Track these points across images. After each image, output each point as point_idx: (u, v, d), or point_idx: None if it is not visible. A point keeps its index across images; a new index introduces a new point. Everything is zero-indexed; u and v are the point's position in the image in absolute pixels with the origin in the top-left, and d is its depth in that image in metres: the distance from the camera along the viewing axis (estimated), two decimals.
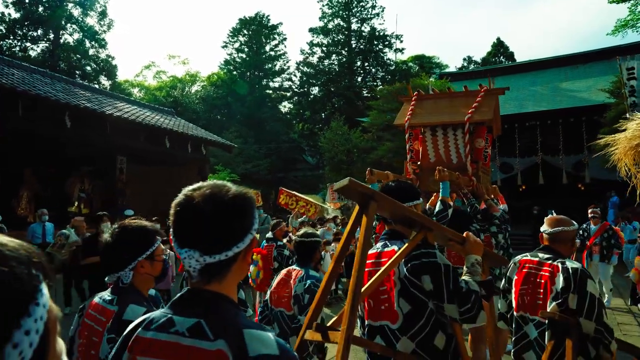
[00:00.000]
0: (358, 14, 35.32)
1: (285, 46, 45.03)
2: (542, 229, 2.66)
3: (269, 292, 2.99)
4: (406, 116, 5.65)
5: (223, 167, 23.41)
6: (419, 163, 5.70)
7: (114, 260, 1.72)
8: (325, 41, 35.54)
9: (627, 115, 14.20)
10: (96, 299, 1.76)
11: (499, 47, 46.04)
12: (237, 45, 36.91)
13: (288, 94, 37.30)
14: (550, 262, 2.48)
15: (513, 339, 2.62)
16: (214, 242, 0.98)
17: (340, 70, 34.46)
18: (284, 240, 6.47)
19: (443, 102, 5.86)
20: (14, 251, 0.61)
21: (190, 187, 1.04)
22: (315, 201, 17.30)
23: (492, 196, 5.26)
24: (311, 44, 35.90)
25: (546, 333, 2.37)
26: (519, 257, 2.71)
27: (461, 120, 5.33)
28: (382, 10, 34.97)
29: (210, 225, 0.98)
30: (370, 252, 2.13)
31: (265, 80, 37.12)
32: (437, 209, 4.21)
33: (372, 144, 20.14)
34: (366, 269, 2.04)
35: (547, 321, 2.36)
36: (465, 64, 45.47)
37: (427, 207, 4.73)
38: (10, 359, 0.55)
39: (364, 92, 34.78)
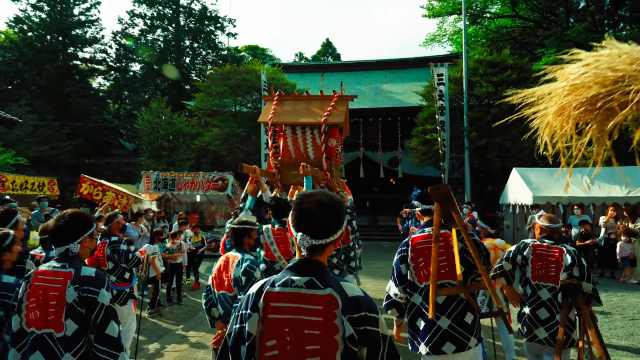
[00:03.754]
0: None
1: (99, 11, 38.85)
2: (542, 223, 3.73)
3: (210, 278, 3.26)
4: (269, 114, 6.10)
5: (4, 148, 18.45)
6: (279, 158, 6.18)
7: (64, 236, 2.39)
8: (149, 13, 31.65)
9: (437, 117, 15.81)
10: (44, 269, 2.35)
11: (328, 48, 48.61)
12: (34, 1, 30.10)
13: (102, 68, 32.06)
14: (555, 246, 3.56)
15: (529, 300, 3.56)
16: (322, 231, 1.50)
17: (166, 48, 31.11)
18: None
19: (301, 103, 6.50)
20: None
21: (309, 193, 1.57)
22: (129, 192, 14.74)
23: (341, 188, 6.02)
24: (132, 14, 31.56)
25: (559, 295, 3.40)
26: (530, 242, 3.67)
27: (318, 122, 5.99)
28: None
29: (320, 221, 1.51)
30: (416, 235, 3.02)
31: (71, 48, 31.15)
32: None
33: (198, 129, 18.33)
34: (421, 247, 2.94)
35: (559, 286, 3.41)
36: (297, 60, 46.54)
37: (288, 199, 5.17)
38: None
39: (193, 75, 32.19)
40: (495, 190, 13.72)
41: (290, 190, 5.70)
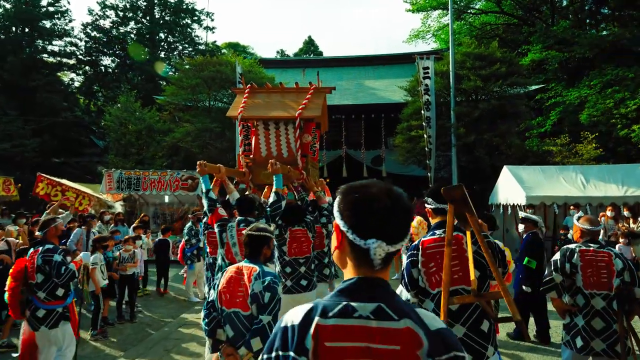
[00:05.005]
0: None
1: (69, 2, 37.18)
2: (583, 226, 3.51)
3: (215, 292, 2.85)
4: (239, 108, 5.67)
5: None
6: (251, 156, 5.73)
7: None
8: (121, 4, 30.18)
9: (422, 112, 15.04)
10: None
11: (310, 45, 47.97)
12: None
13: (71, 62, 30.44)
14: (602, 250, 3.38)
15: (582, 311, 3.32)
16: (397, 233, 1.11)
17: (140, 41, 29.68)
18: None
19: (275, 97, 6.05)
20: None
21: (362, 184, 1.16)
22: (93, 192, 13.55)
23: (320, 188, 5.47)
24: (103, 5, 30.05)
25: (613, 302, 3.25)
26: (575, 247, 3.44)
27: (292, 116, 5.56)
28: None
29: (397, 219, 1.11)
30: (426, 238, 2.77)
31: (40, 41, 29.52)
32: (270, 200, 4.38)
33: (170, 125, 17.18)
34: (432, 251, 2.69)
35: (613, 293, 3.27)
36: (279, 57, 45.66)
37: (262, 200, 4.88)
38: None
39: (169, 70, 30.86)
40: (484, 190, 12.98)
41: (265, 190, 5.44)
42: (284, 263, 4.51)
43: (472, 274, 2.55)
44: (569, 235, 9.05)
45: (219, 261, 4.13)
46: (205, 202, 4.28)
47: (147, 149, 17.23)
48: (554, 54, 19.29)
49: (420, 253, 2.70)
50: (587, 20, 24.59)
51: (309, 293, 4.45)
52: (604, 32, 21.06)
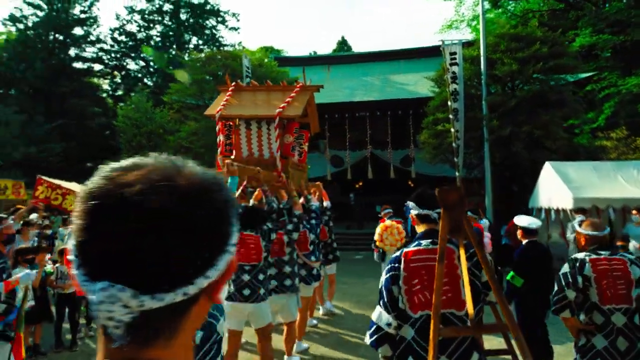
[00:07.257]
0: None
1: (99, 9, 38.63)
2: (587, 231, 3.12)
3: None
4: (219, 106, 5.57)
5: None
6: (232, 157, 5.54)
7: None
8: (147, 8, 30.13)
9: (449, 103, 13.34)
10: None
11: (343, 45, 46.92)
12: None
13: (99, 67, 30.69)
14: (614, 257, 2.99)
15: (602, 331, 2.89)
16: (163, 271, 0.53)
17: (164, 43, 29.47)
18: None
19: (261, 95, 5.93)
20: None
21: (115, 167, 0.56)
22: None
23: (314, 192, 5.65)
24: (131, 10, 30.13)
25: (635, 317, 2.87)
26: (583, 256, 3.03)
27: (272, 114, 5.39)
28: None
29: (161, 238, 0.52)
30: (410, 248, 2.35)
31: (73, 48, 29.94)
32: None
33: (180, 126, 16.34)
34: (416, 265, 2.28)
35: (634, 306, 2.88)
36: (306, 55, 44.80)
37: (252, 202, 4.78)
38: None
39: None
40: (523, 191, 11.13)
41: (256, 193, 5.10)
42: None
43: (469, 299, 2.20)
44: (631, 248, 7.15)
45: None
46: None
47: (158, 150, 16.47)
48: (606, 37, 16.97)
49: (402, 266, 2.29)
50: None
51: (251, 305, 4.11)
52: None
